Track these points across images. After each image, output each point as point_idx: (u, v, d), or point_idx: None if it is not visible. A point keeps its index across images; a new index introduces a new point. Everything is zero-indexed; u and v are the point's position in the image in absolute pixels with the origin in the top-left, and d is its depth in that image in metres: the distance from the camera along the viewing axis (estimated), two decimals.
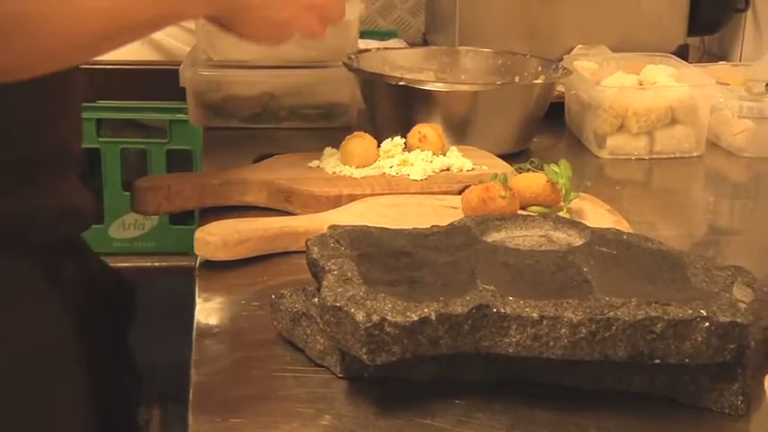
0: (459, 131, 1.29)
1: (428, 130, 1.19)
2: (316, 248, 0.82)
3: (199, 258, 0.98)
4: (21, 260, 0.94)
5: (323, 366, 0.80)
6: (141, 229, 1.90)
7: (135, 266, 1.89)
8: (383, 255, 0.81)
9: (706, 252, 1.11)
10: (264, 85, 1.43)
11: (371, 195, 1.08)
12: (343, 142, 1.16)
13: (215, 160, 1.30)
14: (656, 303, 0.73)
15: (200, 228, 0.99)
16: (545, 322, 0.72)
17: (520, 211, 1.02)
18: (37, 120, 0.96)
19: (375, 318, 0.71)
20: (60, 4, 0.83)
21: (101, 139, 1.80)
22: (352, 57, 1.38)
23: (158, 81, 1.68)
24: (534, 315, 0.72)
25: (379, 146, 1.17)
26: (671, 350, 0.72)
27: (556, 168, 1.06)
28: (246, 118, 1.43)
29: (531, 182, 1.06)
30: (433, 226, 0.88)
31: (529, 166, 1.12)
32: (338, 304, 0.72)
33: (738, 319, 0.72)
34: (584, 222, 0.90)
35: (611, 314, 0.72)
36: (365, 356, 0.71)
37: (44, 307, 0.96)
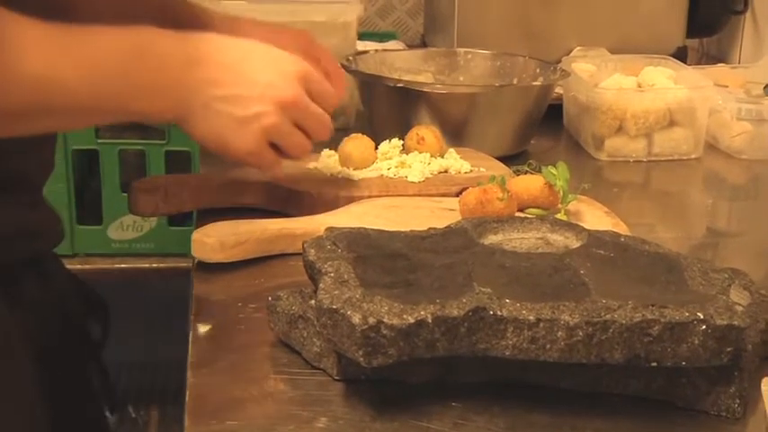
0: (458, 133, 1.29)
1: (426, 132, 1.19)
2: (312, 250, 0.82)
3: (196, 260, 0.98)
4: None
5: (319, 369, 0.80)
6: (140, 231, 1.90)
7: (133, 268, 1.89)
8: (380, 257, 0.81)
9: (704, 254, 1.11)
10: None
11: (369, 197, 1.08)
12: (341, 144, 1.16)
13: (213, 162, 1.29)
14: (652, 306, 0.73)
15: (198, 229, 0.99)
16: (542, 325, 0.72)
17: (517, 214, 1.02)
18: None
19: (371, 320, 0.71)
20: None
21: (99, 141, 1.79)
22: (351, 58, 1.38)
23: None
24: (531, 318, 0.72)
25: (376, 148, 1.17)
26: (668, 353, 0.72)
27: (554, 170, 1.06)
28: None
29: (528, 184, 1.06)
30: (430, 228, 0.88)
31: (527, 169, 1.12)
32: (334, 307, 0.72)
33: (735, 322, 0.72)
34: (581, 224, 0.90)
35: (608, 317, 0.72)
36: (361, 359, 0.71)
37: (1, 331, 0.91)
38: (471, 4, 1.66)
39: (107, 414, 1.13)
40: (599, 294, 0.74)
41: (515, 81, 1.42)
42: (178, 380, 0.84)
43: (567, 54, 1.64)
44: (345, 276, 0.77)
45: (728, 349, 0.73)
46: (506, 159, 1.24)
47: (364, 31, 1.97)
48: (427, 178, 1.14)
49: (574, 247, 0.85)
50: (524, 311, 0.73)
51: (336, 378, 0.79)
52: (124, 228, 1.88)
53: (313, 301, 0.80)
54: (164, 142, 1.82)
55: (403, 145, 1.19)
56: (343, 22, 1.43)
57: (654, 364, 0.73)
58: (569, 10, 1.67)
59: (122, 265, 1.89)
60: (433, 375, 0.78)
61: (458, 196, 1.06)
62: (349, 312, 0.71)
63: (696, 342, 0.72)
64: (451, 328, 0.72)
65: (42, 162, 1.00)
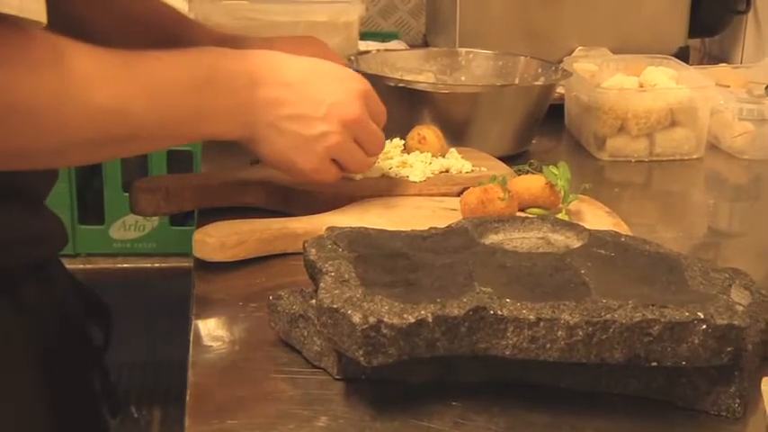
0: (459, 133, 1.29)
1: (427, 132, 1.19)
2: (313, 250, 0.82)
3: (197, 259, 0.98)
4: None
5: (320, 368, 0.80)
6: (142, 231, 1.90)
7: (135, 267, 1.89)
8: (380, 257, 0.81)
9: (705, 254, 1.11)
10: None
11: (370, 197, 1.08)
12: None
13: (214, 161, 1.30)
14: (653, 306, 0.73)
15: (199, 229, 0.99)
16: (542, 324, 0.72)
17: (519, 213, 1.02)
18: None
19: (372, 320, 0.71)
20: (62, 99, 0.78)
21: None
22: (353, 58, 1.38)
23: None
24: (531, 317, 0.72)
25: None
26: (668, 353, 0.72)
27: (555, 170, 1.06)
28: None
29: (530, 184, 1.06)
30: (430, 228, 0.88)
31: (528, 168, 1.12)
32: (335, 306, 0.72)
33: (735, 322, 0.72)
34: (582, 224, 0.90)
35: (608, 316, 0.72)
36: (362, 358, 0.71)
37: (5, 335, 0.92)
38: (473, 4, 1.66)
39: (108, 417, 1.13)
40: (599, 294, 0.74)
41: (517, 81, 1.42)
42: (180, 380, 0.84)
43: (569, 54, 1.64)
44: (346, 276, 0.77)
45: (729, 349, 0.73)
46: (508, 159, 1.24)
47: (366, 31, 1.97)
48: (428, 178, 1.14)
49: (575, 246, 0.85)
50: (525, 311, 0.73)
51: (337, 377, 0.79)
52: (126, 227, 1.89)
53: (314, 301, 0.80)
54: None
55: (404, 144, 1.19)
56: (344, 22, 1.43)
57: (654, 363, 0.73)
58: (571, 10, 1.67)
59: (124, 265, 1.90)
60: (434, 375, 0.78)
61: (459, 196, 1.06)
62: (349, 312, 0.71)
63: (696, 342, 0.72)
64: (452, 328, 0.72)
65: (46, 173, 1.00)
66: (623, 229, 1.03)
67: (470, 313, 0.72)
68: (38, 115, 0.78)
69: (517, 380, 0.78)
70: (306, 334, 0.81)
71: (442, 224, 0.89)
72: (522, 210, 1.04)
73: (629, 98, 1.38)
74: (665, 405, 0.77)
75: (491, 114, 1.31)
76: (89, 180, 1.91)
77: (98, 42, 0.82)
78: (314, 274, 0.81)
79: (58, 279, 1.04)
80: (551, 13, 1.67)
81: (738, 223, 1.29)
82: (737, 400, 0.75)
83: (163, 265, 1.91)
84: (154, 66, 0.87)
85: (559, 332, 0.72)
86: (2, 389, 0.91)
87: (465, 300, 0.73)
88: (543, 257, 0.82)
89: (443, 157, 1.18)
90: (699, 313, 0.72)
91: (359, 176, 1.12)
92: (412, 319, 0.71)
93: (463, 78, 1.47)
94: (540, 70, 1.40)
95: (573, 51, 1.65)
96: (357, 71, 1.33)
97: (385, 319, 0.71)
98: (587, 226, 0.90)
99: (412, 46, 1.88)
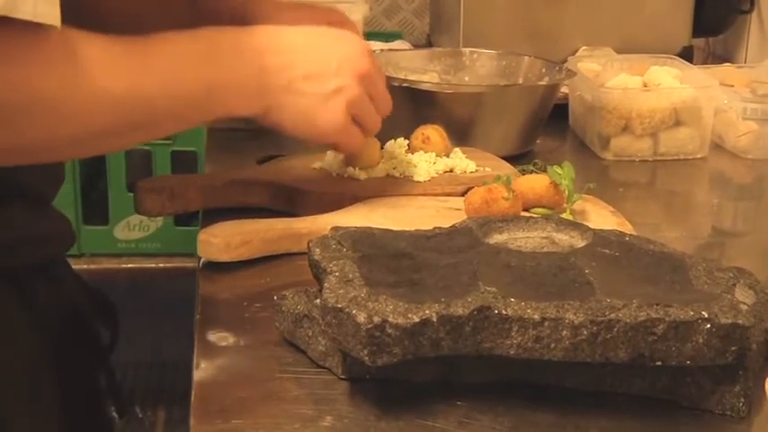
0: (463, 133, 1.29)
1: (432, 132, 1.19)
2: (317, 250, 0.82)
3: (202, 259, 0.98)
4: None
5: (324, 368, 0.80)
6: (146, 231, 1.90)
7: (139, 267, 1.89)
8: (385, 256, 0.81)
9: (710, 254, 1.11)
10: None
11: (374, 197, 1.08)
12: None
13: (219, 162, 1.30)
14: (657, 305, 0.73)
15: (204, 229, 0.99)
16: (546, 324, 0.72)
17: (523, 213, 1.02)
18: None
19: (376, 319, 0.71)
20: (76, 91, 0.80)
21: None
22: None
23: None
24: (536, 317, 0.72)
25: (382, 147, 1.17)
26: (672, 352, 0.72)
27: (559, 170, 1.06)
28: (251, 120, 1.43)
29: (534, 183, 1.06)
30: (435, 228, 0.88)
31: (532, 168, 1.12)
32: (339, 306, 0.72)
33: (740, 321, 0.72)
34: (586, 224, 0.90)
35: (613, 316, 0.72)
36: (366, 358, 0.71)
37: (15, 334, 0.92)
38: (477, 3, 1.66)
39: (114, 416, 1.13)
40: (604, 293, 0.74)
41: (521, 81, 1.42)
42: (185, 380, 0.84)
43: (573, 54, 1.64)
44: (350, 275, 0.77)
45: (733, 348, 0.73)
46: (512, 159, 1.24)
47: (370, 31, 1.97)
48: (432, 178, 1.14)
49: (579, 246, 0.85)
50: (529, 310, 0.73)
51: (341, 377, 0.79)
52: (130, 228, 1.89)
53: (318, 301, 0.80)
54: (170, 142, 1.82)
55: (408, 144, 1.19)
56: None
57: (658, 363, 0.73)
58: (575, 10, 1.67)
59: (128, 265, 1.90)
60: (438, 374, 0.78)
61: (463, 196, 1.06)
62: (354, 311, 0.71)
63: (701, 341, 0.72)
64: (456, 328, 0.72)
65: (52, 174, 1.01)
66: (627, 228, 1.03)
67: (475, 313, 0.73)
68: (53, 108, 0.79)
69: (522, 379, 0.78)
70: (310, 334, 0.81)
71: (446, 224, 0.89)
72: (526, 209, 1.04)
73: (634, 98, 1.38)
74: (670, 404, 0.77)
75: (495, 114, 1.30)
76: (93, 180, 1.91)
77: (115, 16, 0.83)
78: (318, 273, 0.81)
79: (65, 279, 1.04)
80: (555, 13, 1.67)
81: (742, 223, 1.29)
82: (742, 400, 0.75)
83: (167, 265, 1.91)
84: (162, 49, 0.87)
85: (564, 332, 0.72)
86: (13, 388, 0.91)
87: (469, 299, 0.73)
88: (547, 257, 0.82)
89: (447, 156, 1.18)
90: (703, 312, 0.72)
91: (363, 176, 1.12)
92: (416, 319, 0.71)
93: (467, 78, 1.47)
94: (544, 70, 1.40)
95: (577, 51, 1.65)
96: None
97: (389, 319, 0.71)
98: (591, 225, 0.90)
99: (416, 46, 1.87)
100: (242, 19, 1.09)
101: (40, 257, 0.97)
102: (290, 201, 1.10)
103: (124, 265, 1.90)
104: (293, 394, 0.78)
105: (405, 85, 1.30)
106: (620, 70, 1.47)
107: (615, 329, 0.72)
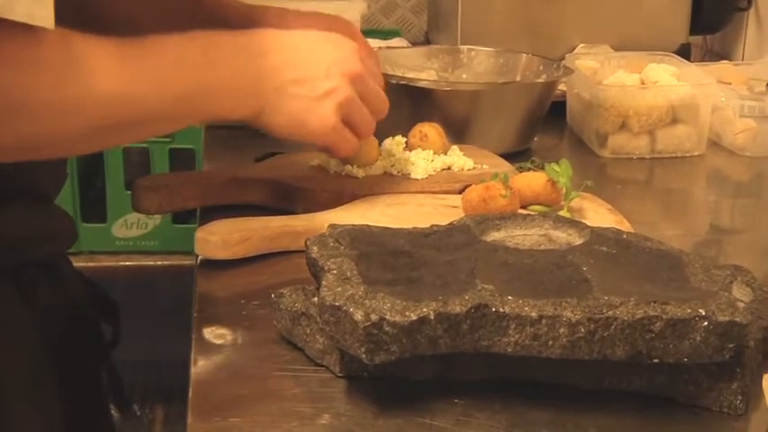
0: (461, 130, 1.29)
1: (429, 130, 1.19)
2: (315, 248, 0.82)
3: (199, 257, 0.98)
4: None
5: (322, 366, 0.80)
6: (144, 228, 1.90)
7: (138, 265, 1.89)
8: (382, 254, 0.81)
9: (707, 252, 1.11)
10: None
11: (372, 194, 1.08)
12: None
13: (216, 159, 1.30)
14: (654, 303, 0.73)
15: (201, 227, 0.99)
16: (544, 322, 0.72)
17: (520, 211, 1.02)
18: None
19: (374, 317, 0.71)
20: (67, 90, 0.80)
21: None
22: None
23: None
24: (533, 314, 0.72)
25: (380, 145, 1.17)
26: (669, 349, 0.73)
27: (557, 167, 1.06)
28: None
29: (531, 181, 1.06)
30: (432, 225, 0.88)
31: (530, 166, 1.12)
32: (337, 303, 0.73)
33: (737, 319, 0.72)
34: (584, 222, 0.91)
35: (610, 313, 0.72)
36: (364, 356, 0.71)
37: (17, 332, 0.92)
38: (475, 1, 1.66)
39: (114, 413, 1.14)
40: (601, 291, 0.75)
41: (518, 78, 1.42)
42: (183, 377, 0.84)
43: (571, 51, 1.63)
44: (348, 273, 0.77)
45: (730, 345, 0.73)
46: (509, 156, 1.24)
47: (368, 29, 1.97)
48: (430, 175, 1.14)
49: (576, 243, 0.85)
50: (526, 308, 0.73)
51: (339, 375, 0.79)
52: (128, 225, 1.89)
53: (316, 299, 0.80)
54: (168, 140, 1.82)
55: (406, 142, 1.19)
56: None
57: (656, 360, 0.73)
58: (573, 7, 1.67)
59: (127, 263, 1.90)
60: (436, 372, 0.78)
61: (461, 193, 1.06)
62: (351, 309, 0.72)
63: (698, 338, 0.72)
64: (454, 325, 0.73)
65: (55, 172, 1.01)
66: (625, 226, 1.03)
67: (472, 311, 0.73)
68: (46, 108, 0.79)
69: (519, 377, 0.78)
70: (308, 332, 0.81)
71: (443, 221, 0.89)
72: (523, 207, 1.04)
73: (631, 95, 1.38)
74: (667, 402, 0.77)
75: (493, 112, 1.31)
76: (91, 178, 1.91)
77: (117, 18, 0.83)
78: (316, 271, 0.81)
79: (67, 276, 1.04)
80: (553, 11, 1.66)
81: (740, 220, 1.29)
82: (739, 397, 0.75)
83: (165, 262, 1.91)
84: (155, 50, 0.88)
85: (561, 329, 0.72)
86: (14, 386, 0.91)
87: (467, 297, 0.73)
88: (545, 255, 0.82)
89: (445, 154, 1.18)
90: (700, 310, 0.72)
91: (361, 174, 1.12)
92: (414, 317, 0.71)
93: (465, 76, 1.47)
94: (541, 67, 1.40)
95: (574, 48, 1.65)
96: None
97: (387, 317, 0.71)
98: (589, 223, 0.90)
99: (414, 43, 1.87)
100: (248, 27, 1.10)
101: (42, 255, 0.97)
102: (288, 198, 1.10)
103: (122, 263, 1.90)
104: (291, 392, 0.78)
105: (402, 82, 1.30)
106: (618, 68, 1.47)
107: (612, 327, 0.72)
